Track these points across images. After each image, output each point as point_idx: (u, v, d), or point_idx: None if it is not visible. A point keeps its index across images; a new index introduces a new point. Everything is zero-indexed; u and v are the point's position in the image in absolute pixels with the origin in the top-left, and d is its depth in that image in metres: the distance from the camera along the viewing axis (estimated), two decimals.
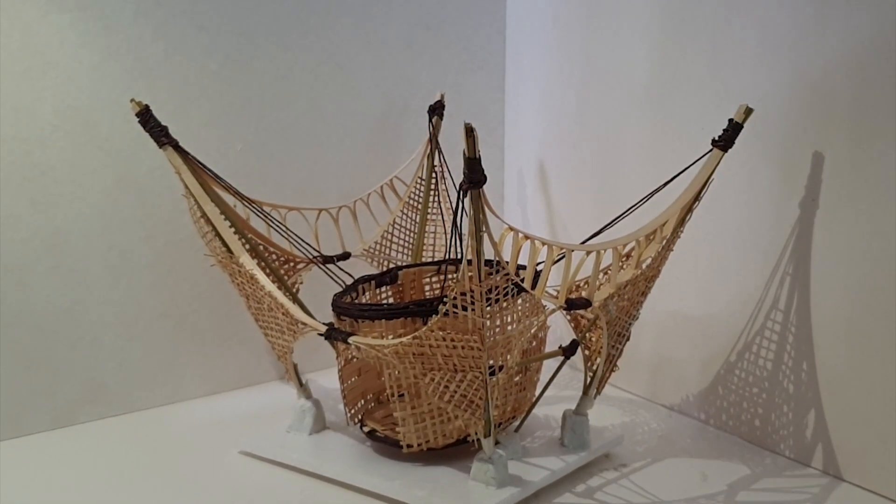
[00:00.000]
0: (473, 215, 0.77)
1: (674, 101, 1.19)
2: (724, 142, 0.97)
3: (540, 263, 0.87)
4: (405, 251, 1.31)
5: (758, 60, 1.05)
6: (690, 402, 1.22)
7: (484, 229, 0.78)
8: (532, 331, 0.96)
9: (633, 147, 1.28)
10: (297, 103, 1.36)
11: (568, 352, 1.06)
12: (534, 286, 0.86)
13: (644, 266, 0.98)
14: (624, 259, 1.01)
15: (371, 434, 1.05)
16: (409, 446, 0.98)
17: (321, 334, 0.98)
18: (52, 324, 1.18)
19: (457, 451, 1.00)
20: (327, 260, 1.20)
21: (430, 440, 0.98)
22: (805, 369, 1.03)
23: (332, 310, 1.03)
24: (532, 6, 1.51)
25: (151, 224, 1.25)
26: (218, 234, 1.05)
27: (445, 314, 0.83)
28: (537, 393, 1.09)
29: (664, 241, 0.98)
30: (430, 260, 1.30)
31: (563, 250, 0.89)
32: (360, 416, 1.09)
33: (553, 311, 0.95)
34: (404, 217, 1.31)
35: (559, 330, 1.46)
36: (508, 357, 0.90)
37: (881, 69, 0.91)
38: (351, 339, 0.94)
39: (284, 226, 1.15)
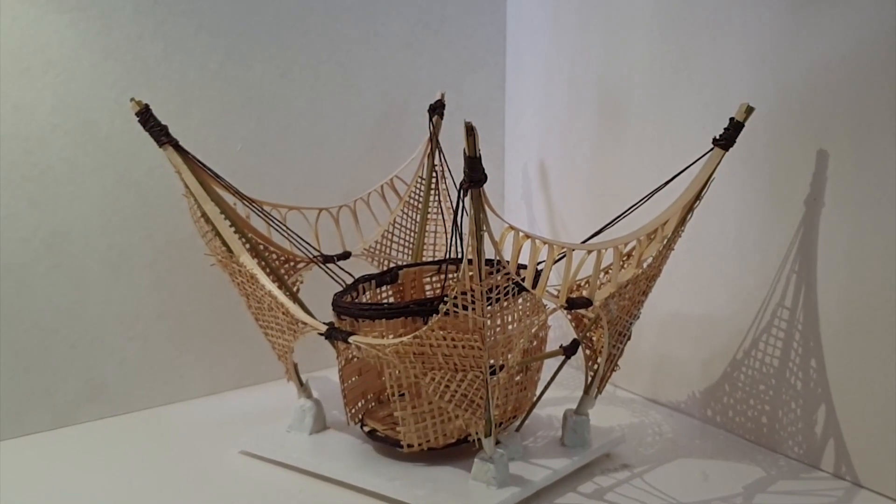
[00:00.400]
0: (474, 214, 0.77)
1: (674, 99, 1.19)
2: (726, 141, 0.97)
3: (541, 263, 0.87)
4: (405, 250, 1.31)
5: (759, 59, 1.05)
6: (692, 402, 1.22)
7: (484, 228, 0.78)
8: (533, 330, 0.96)
9: (633, 146, 1.28)
10: (298, 102, 1.36)
11: (569, 351, 1.06)
12: (534, 285, 0.86)
13: (645, 265, 0.97)
14: (625, 258, 1.00)
15: (371, 434, 1.05)
16: (409, 446, 0.98)
17: (321, 334, 0.98)
18: (51, 323, 1.18)
19: (457, 451, 1.00)
20: (327, 259, 1.19)
21: (430, 440, 0.98)
22: (814, 366, 1.02)
23: (333, 309, 1.03)
24: (532, 5, 1.51)
25: (151, 223, 1.24)
26: (218, 234, 1.05)
27: (446, 313, 0.82)
28: (538, 392, 1.09)
29: (665, 241, 0.98)
30: (430, 259, 1.30)
31: (564, 249, 0.89)
32: (360, 416, 1.08)
33: (554, 310, 0.95)
34: (405, 216, 1.31)
35: (560, 329, 1.46)
36: (509, 356, 0.89)
37: (882, 67, 0.91)
38: (351, 339, 0.94)
39: (285, 225, 1.15)
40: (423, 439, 0.98)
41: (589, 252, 0.91)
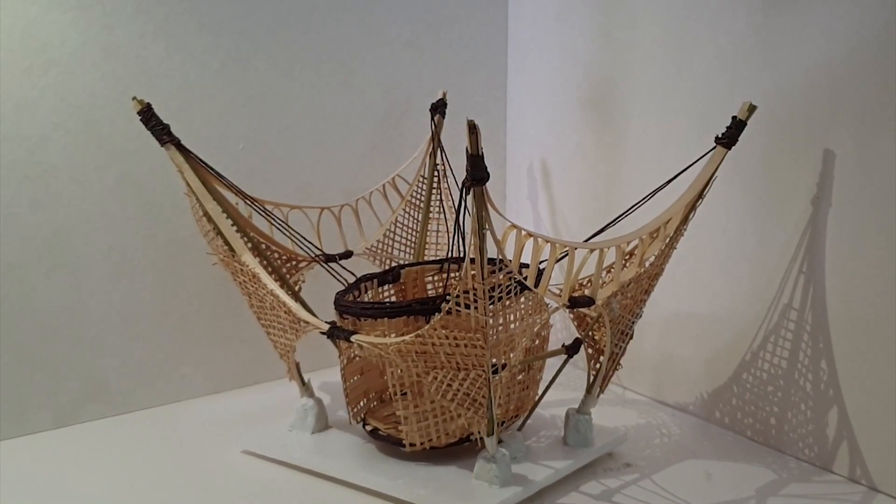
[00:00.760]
0: (476, 213, 0.77)
1: (677, 98, 1.19)
2: (728, 139, 0.97)
3: (543, 261, 0.87)
4: (407, 249, 1.31)
5: (761, 57, 1.05)
6: (694, 401, 1.22)
7: (487, 227, 0.78)
8: (535, 329, 0.96)
9: (635, 144, 1.28)
10: (299, 101, 1.36)
11: (571, 350, 1.06)
12: (537, 284, 0.86)
13: (647, 264, 0.97)
14: (627, 257, 1.00)
15: (374, 433, 1.05)
16: (411, 445, 0.98)
17: (323, 333, 0.98)
18: (53, 322, 1.18)
19: (460, 450, 1.00)
20: (329, 258, 1.19)
21: (432, 439, 0.98)
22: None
23: (335, 308, 1.02)
24: (534, 4, 1.50)
25: (153, 223, 1.24)
26: (220, 233, 1.05)
27: (448, 312, 0.82)
28: (540, 391, 1.08)
29: (667, 239, 0.98)
30: (432, 258, 1.30)
31: (567, 248, 0.89)
32: (362, 415, 1.08)
33: (556, 309, 0.95)
34: (406, 215, 1.31)
35: (562, 329, 1.46)
36: (511, 355, 0.89)
37: (886, 65, 0.90)
38: (353, 338, 0.94)
39: (286, 224, 1.14)
40: (425, 438, 0.98)
41: (591, 251, 0.91)
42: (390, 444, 1.03)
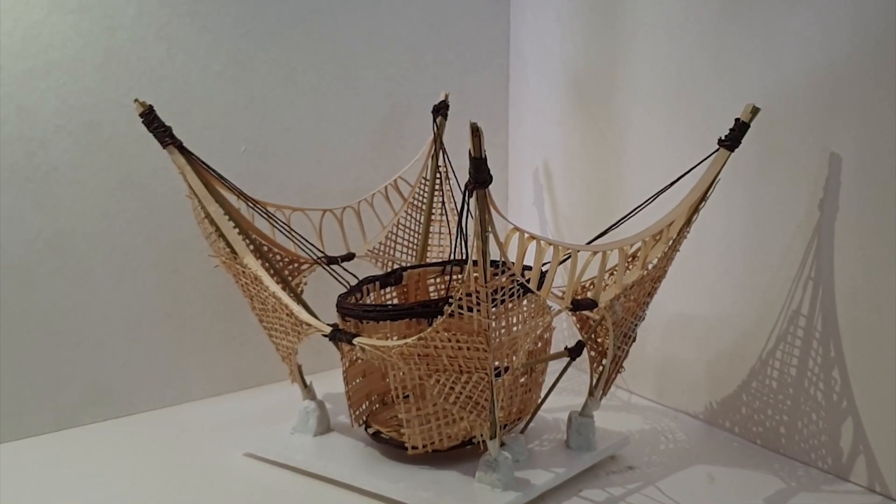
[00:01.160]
0: (479, 215, 0.77)
1: (679, 100, 1.19)
2: (731, 141, 0.97)
3: (546, 264, 0.86)
4: (410, 252, 1.31)
5: (764, 59, 1.05)
6: (697, 404, 1.22)
7: (489, 229, 0.78)
8: (538, 332, 0.96)
9: (638, 147, 1.27)
10: (301, 104, 1.36)
11: (573, 353, 1.06)
12: (539, 287, 0.86)
13: (650, 266, 0.97)
14: (630, 260, 1.00)
15: (376, 436, 1.05)
16: (413, 448, 0.97)
17: (326, 335, 0.98)
18: (55, 325, 1.17)
19: (462, 453, 1.00)
20: (331, 261, 1.19)
21: (435, 442, 0.98)
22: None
23: (337, 311, 1.02)
24: (536, 5, 1.50)
25: (155, 225, 1.24)
26: (222, 235, 1.05)
27: (451, 315, 0.82)
28: (543, 394, 1.08)
29: (670, 242, 0.98)
30: (434, 260, 1.30)
31: (569, 251, 0.88)
32: (364, 418, 1.08)
33: (559, 311, 0.95)
34: (408, 217, 1.31)
35: (565, 331, 1.46)
36: (514, 358, 0.89)
37: (888, 65, 0.90)
38: (355, 340, 0.94)
39: (288, 226, 1.14)
40: (427, 441, 0.97)
41: (594, 253, 0.91)
42: (392, 447, 1.02)
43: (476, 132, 0.73)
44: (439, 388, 0.89)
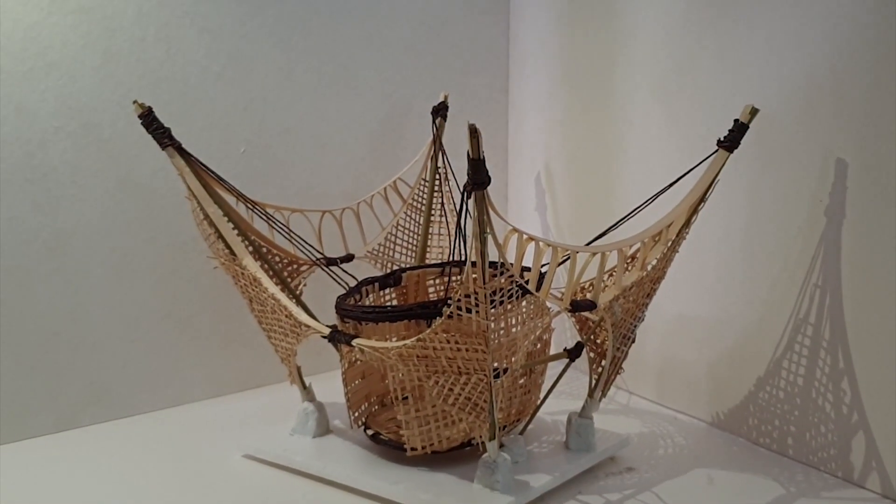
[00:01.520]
0: (478, 217, 0.77)
1: (679, 101, 1.19)
2: (730, 142, 0.97)
3: (544, 265, 0.86)
4: (409, 253, 1.31)
5: (764, 60, 1.05)
6: (697, 406, 1.22)
7: (488, 231, 0.78)
8: (537, 333, 0.95)
9: (637, 148, 1.27)
10: (300, 105, 1.36)
11: (573, 354, 1.06)
12: (538, 288, 0.86)
13: (649, 267, 0.97)
14: (629, 261, 1.00)
15: (375, 437, 1.04)
16: (413, 449, 0.97)
17: (325, 337, 0.98)
18: (54, 326, 1.17)
19: (461, 455, 0.99)
20: (330, 262, 1.19)
21: (434, 443, 0.97)
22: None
23: (336, 312, 1.02)
24: (535, 7, 1.50)
25: (154, 226, 1.24)
26: (221, 237, 1.05)
27: (450, 316, 0.82)
28: (542, 396, 1.08)
29: (669, 243, 0.98)
30: (433, 262, 1.30)
31: (568, 252, 0.88)
32: (363, 419, 1.08)
33: (558, 312, 0.95)
34: (408, 219, 1.31)
35: (564, 332, 1.46)
36: (513, 359, 0.89)
37: (889, 66, 0.90)
38: (355, 342, 0.94)
39: (287, 228, 1.14)
40: (426, 443, 0.97)
41: (593, 254, 0.90)
42: (392, 449, 1.02)
43: (474, 133, 0.73)
44: (438, 389, 0.89)
